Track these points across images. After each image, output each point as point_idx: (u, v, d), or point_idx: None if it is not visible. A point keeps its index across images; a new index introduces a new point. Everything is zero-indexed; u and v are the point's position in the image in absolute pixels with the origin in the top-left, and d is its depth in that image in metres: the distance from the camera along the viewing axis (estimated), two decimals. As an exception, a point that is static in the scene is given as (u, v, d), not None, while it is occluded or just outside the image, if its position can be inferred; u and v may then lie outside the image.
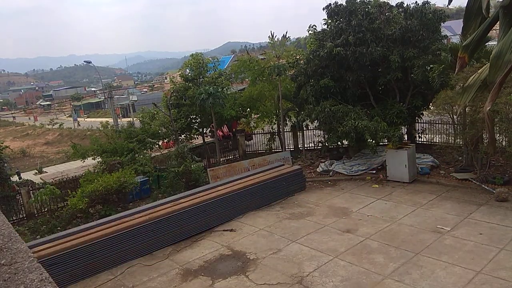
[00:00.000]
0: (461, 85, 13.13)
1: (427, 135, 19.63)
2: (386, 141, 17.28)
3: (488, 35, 3.06)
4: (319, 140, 20.49)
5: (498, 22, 2.54)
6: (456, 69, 3.06)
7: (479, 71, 2.91)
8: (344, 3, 18.00)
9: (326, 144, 19.33)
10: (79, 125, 57.73)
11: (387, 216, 12.93)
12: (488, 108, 2.59)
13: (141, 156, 18.51)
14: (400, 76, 17.01)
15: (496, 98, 2.51)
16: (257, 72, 21.54)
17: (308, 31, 20.40)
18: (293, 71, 20.03)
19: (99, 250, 11.17)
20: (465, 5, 2.91)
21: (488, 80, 2.40)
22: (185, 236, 12.88)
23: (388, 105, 17.80)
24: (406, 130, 19.38)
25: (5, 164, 18.04)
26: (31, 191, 17.57)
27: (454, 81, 14.70)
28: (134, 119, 35.27)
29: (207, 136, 23.16)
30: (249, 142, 24.22)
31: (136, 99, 56.31)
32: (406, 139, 18.07)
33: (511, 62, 2.27)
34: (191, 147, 20.18)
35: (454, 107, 15.21)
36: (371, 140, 17.00)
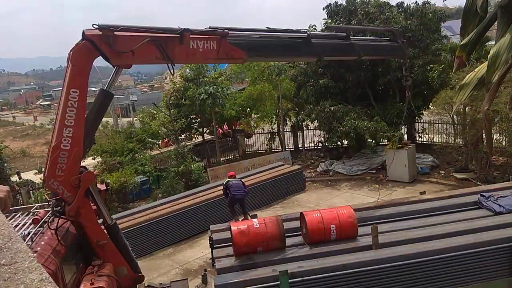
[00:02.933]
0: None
1: (427, 135, 19.63)
2: (386, 141, 17.29)
3: (488, 35, 3.07)
4: (319, 140, 20.50)
5: (496, 22, 2.54)
6: (454, 68, 3.06)
7: (475, 70, 2.90)
8: (344, 3, 18.03)
9: (326, 144, 19.34)
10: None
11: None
12: (486, 108, 2.59)
13: (141, 156, 18.50)
14: (400, 76, 17.00)
15: (494, 97, 2.51)
16: (257, 72, 21.53)
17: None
18: (293, 71, 20.03)
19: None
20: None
21: (486, 80, 2.39)
22: (185, 236, 12.88)
23: (388, 105, 17.81)
24: (406, 130, 19.38)
25: (5, 164, 18.04)
26: (31, 191, 17.58)
27: (454, 81, 14.71)
28: (134, 119, 35.28)
29: (206, 133, 23.15)
30: (249, 140, 24.14)
31: (136, 99, 56.22)
32: (406, 139, 18.07)
33: (509, 62, 2.27)
34: (190, 146, 20.17)
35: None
36: (371, 140, 17.00)
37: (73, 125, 6.18)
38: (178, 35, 6.66)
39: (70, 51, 6.36)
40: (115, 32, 6.24)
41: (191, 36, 6.78)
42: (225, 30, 7.13)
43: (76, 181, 6.24)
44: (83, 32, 6.26)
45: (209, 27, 7.12)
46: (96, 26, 6.23)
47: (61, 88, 6.77)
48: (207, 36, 6.97)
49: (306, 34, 8.16)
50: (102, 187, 7.47)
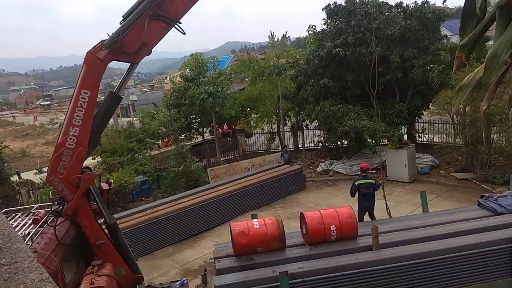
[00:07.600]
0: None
1: (427, 135, 19.62)
2: (386, 141, 17.29)
3: (488, 34, 3.07)
4: (319, 140, 20.49)
5: (495, 22, 2.54)
6: (453, 69, 3.06)
7: (474, 71, 2.90)
8: (343, 3, 18.01)
9: (326, 144, 19.33)
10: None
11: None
12: (485, 108, 2.60)
13: (141, 156, 18.50)
14: (400, 76, 17.01)
15: (493, 98, 2.52)
16: (257, 72, 21.53)
17: (308, 31, 20.44)
18: (293, 71, 20.03)
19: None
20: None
21: (483, 81, 2.39)
22: (185, 236, 12.89)
23: (388, 105, 17.81)
24: (406, 130, 19.38)
25: (5, 164, 18.05)
26: (31, 191, 17.59)
27: (454, 81, 14.70)
28: (134, 119, 35.30)
29: (206, 133, 23.16)
30: (249, 140, 24.14)
31: (136, 99, 56.26)
32: (406, 139, 18.07)
33: (507, 62, 2.27)
34: (189, 146, 20.18)
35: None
36: (370, 140, 17.00)
37: (80, 125, 6.25)
38: None
39: (88, 52, 6.39)
40: (120, 39, 6.26)
41: None
42: None
43: (76, 180, 6.28)
44: (100, 59, 6.30)
45: None
46: (100, 44, 6.33)
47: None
48: None
49: None
50: (106, 186, 7.48)
